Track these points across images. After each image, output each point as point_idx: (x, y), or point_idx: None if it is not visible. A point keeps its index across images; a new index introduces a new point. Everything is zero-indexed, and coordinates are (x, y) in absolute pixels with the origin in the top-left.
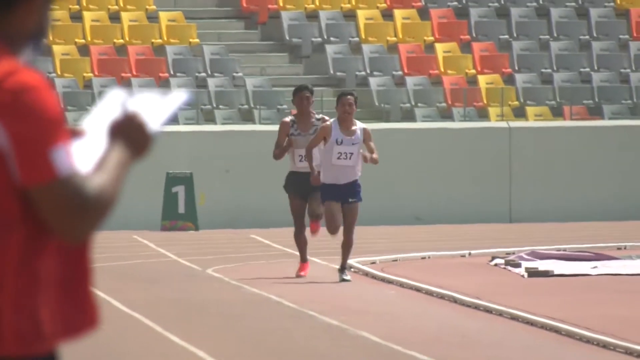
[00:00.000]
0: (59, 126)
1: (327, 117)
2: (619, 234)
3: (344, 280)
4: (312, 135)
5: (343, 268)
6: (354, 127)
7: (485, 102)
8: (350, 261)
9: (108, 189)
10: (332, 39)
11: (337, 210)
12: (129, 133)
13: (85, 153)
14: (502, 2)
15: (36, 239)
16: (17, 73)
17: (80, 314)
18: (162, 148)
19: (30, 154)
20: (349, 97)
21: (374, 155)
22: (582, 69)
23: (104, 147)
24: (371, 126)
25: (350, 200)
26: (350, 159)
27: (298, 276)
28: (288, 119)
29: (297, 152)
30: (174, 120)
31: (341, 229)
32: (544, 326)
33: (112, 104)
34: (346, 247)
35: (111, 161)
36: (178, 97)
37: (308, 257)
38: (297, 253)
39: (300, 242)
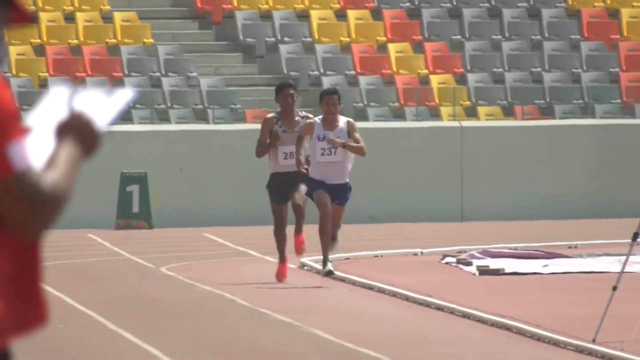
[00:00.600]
0: (14, 122)
1: (311, 115)
2: (570, 232)
3: (328, 271)
4: (297, 132)
5: (325, 260)
6: (336, 123)
7: (437, 101)
8: (304, 259)
9: (61, 185)
10: (285, 39)
11: (327, 198)
12: (77, 131)
13: (32, 150)
14: (454, 3)
15: None
16: None
17: (31, 310)
18: (117, 147)
19: None
20: (334, 96)
21: (357, 145)
22: (533, 69)
23: (51, 145)
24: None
25: (336, 201)
26: (335, 154)
27: (279, 281)
28: (270, 115)
29: (281, 149)
30: (128, 119)
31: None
32: (495, 324)
33: (55, 102)
34: (328, 241)
35: (62, 158)
36: (124, 95)
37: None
38: (251, 251)
39: (280, 239)
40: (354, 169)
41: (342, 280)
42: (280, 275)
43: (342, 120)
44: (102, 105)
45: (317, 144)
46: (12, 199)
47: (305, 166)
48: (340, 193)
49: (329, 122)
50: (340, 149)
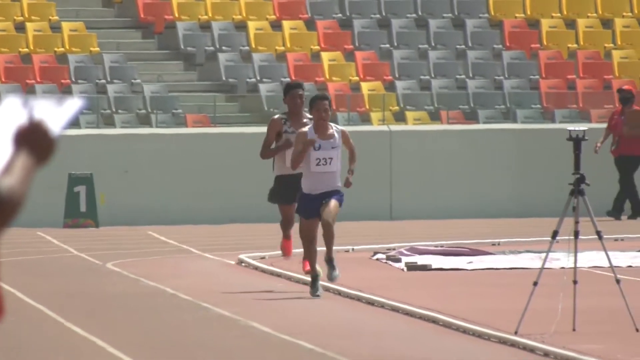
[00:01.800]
0: None
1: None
2: (493, 230)
3: (333, 272)
4: None
5: (330, 259)
6: (330, 131)
7: (367, 107)
8: (242, 256)
9: (17, 190)
10: (224, 47)
11: (312, 227)
12: (34, 139)
13: None
14: (384, 14)
15: None
16: None
17: None
18: (65, 150)
19: None
20: (324, 101)
21: (349, 176)
22: (458, 76)
23: (8, 151)
24: (260, 130)
25: (323, 201)
26: (330, 164)
27: (285, 257)
28: (277, 116)
29: (288, 152)
30: (75, 124)
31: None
32: (422, 317)
33: (8, 111)
34: (328, 238)
35: (18, 165)
36: (74, 103)
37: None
38: (191, 249)
39: (286, 227)
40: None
41: (279, 275)
42: (285, 251)
43: (335, 129)
44: (54, 114)
45: (312, 154)
46: None
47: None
48: (329, 195)
49: (322, 129)
50: (335, 158)
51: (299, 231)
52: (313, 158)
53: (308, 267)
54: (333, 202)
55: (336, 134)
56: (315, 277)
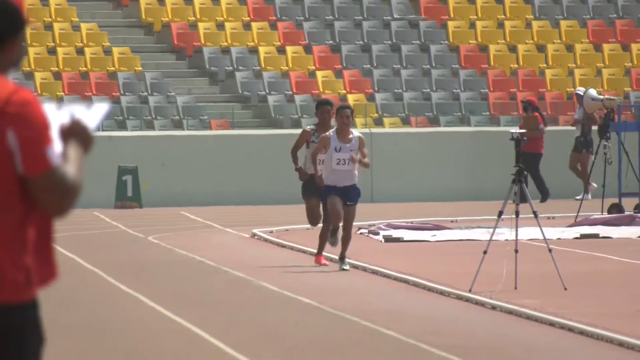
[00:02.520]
0: (49, 130)
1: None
2: (451, 211)
3: (342, 269)
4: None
5: (342, 258)
6: (350, 136)
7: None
8: (255, 230)
9: (78, 175)
10: (240, 67)
11: (339, 204)
12: (77, 134)
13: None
14: (366, 40)
15: (27, 214)
16: (18, 91)
17: (48, 268)
18: (115, 148)
19: (33, 152)
20: (346, 110)
21: (365, 160)
22: (424, 90)
23: (60, 145)
24: (269, 132)
25: (348, 203)
26: (347, 164)
27: (319, 264)
28: (309, 128)
29: (318, 157)
30: (123, 127)
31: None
32: (396, 278)
33: (52, 114)
34: (345, 241)
35: (72, 156)
36: (102, 107)
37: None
38: (215, 225)
39: (322, 238)
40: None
41: (283, 246)
42: (317, 260)
43: (355, 135)
44: (87, 114)
45: (334, 154)
46: (49, 187)
47: (319, 174)
48: (350, 193)
49: (343, 134)
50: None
51: (328, 207)
52: (334, 158)
53: (323, 261)
54: (353, 210)
55: (354, 140)
56: (335, 230)
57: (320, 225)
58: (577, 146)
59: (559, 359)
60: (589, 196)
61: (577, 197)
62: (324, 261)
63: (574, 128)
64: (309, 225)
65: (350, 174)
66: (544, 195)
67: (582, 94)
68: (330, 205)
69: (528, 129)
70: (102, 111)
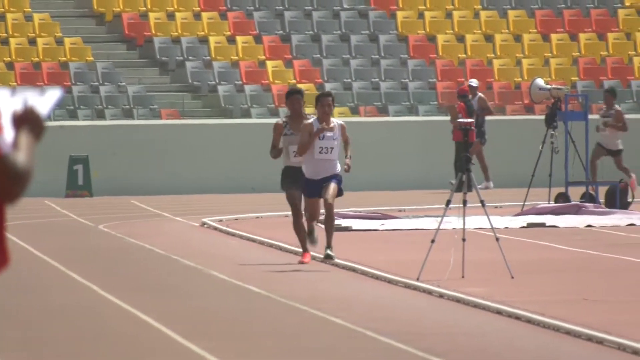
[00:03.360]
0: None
1: (310, 119)
2: (400, 200)
3: (328, 256)
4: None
5: (329, 245)
6: (332, 124)
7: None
8: (204, 219)
9: (28, 163)
10: (190, 57)
11: (318, 205)
12: (30, 122)
13: (7, 138)
14: (315, 30)
15: None
16: None
17: (1, 256)
18: (66, 137)
19: None
20: (328, 98)
21: (348, 161)
22: (373, 80)
23: (11, 133)
24: (219, 122)
25: (324, 184)
26: (331, 153)
27: (300, 263)
28: (280, 120)
29: (291, 148)
30: (74, 117)
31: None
32: (345, 267)
33: (3, 102)
34: (329, 224)
35: (23, 143)
36: (54, 94)
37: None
38: (165, 214)
39: (300, 233)
40: (241, 152)
41: (233, 235)
42: (303, 258)
43: (336, 123)
44: (40, 101)
45: (316, 142)
46: (1, 175)
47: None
48: (329, 179)
49: (325, 122)
50: (335, 148)
51: (303, 210)
52: (317, 147)
53: (307, 259)
54: (332, 185)
55: (337, 128)
56: (311, 230)
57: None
58: (476, 136)
59: (506, 347)
60: (491, 184)
61: (479, 186)
62: (306, 260)
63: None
64: (258, 214)
65: (332, 164)
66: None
67: (474, 85)
68: (310, 208)
69: (451, 117)
70: (54, 98)
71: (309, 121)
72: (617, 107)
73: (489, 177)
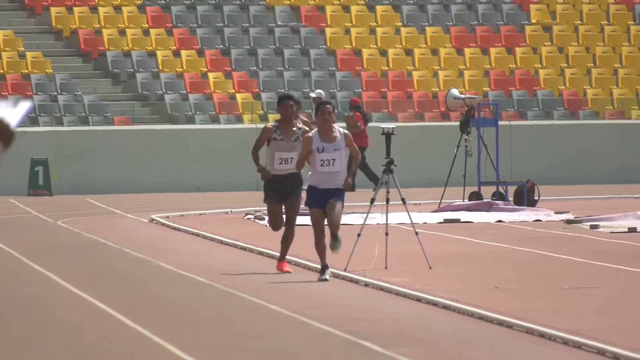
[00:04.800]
0: None
1: (305, 127)
2: None
3: (322, 280)
4: (294, 141)
5: (324, 267)
6: (334, 134)
7: (241, 111)
8: (153, 216)
9: None
10: (140, 69)
11: (320, 217)
12: (0, 131)
13: None
14: (252, 45)
15: None
16: None
17: None
18: (28, 141)
19: None
20: (327, 106)
21: (355, 159)
22: (304, 90)
23: None
24: (166, 127)
25: (330, 200)
26: (333, 164)
27: (281, 272)
28: (270, 125)
29: (277, 154)
30: (36, 123)
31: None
32: (297, 265)
33: None
34: (332, 247)
35: None
36: (25, 105)
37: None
38: (117, 211)
39: (285, 242)
40: (186, 154)
41: (179, 230)
42: (280, 268)
43: (339, 132)
44: (10, 112)
45: (317, 155)
46: None
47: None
48: (333, 194)
49: (326, 132)
50: (338, 159)
51: (310, 219)
52: (318, 160)
53: (285, 268)
54: (338, 209)
55: (339, 137)
56: (324, 267)
57: (282, 229)
58: None
59: (425, 331)
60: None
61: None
62: (286, 268)
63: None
64: (202, 211)
65: (336, 176)
66: (375, 181)
67: (315, 95)
68: (313, 219)
69: (348, 126)
70: (24, 109)
71: (309, 135)
72: (304, 118)
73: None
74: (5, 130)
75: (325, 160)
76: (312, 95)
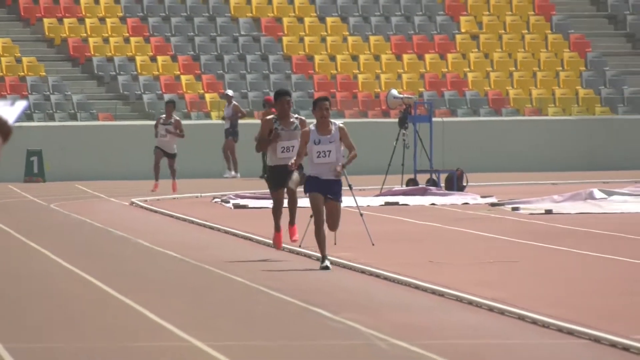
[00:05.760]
0: None
1: (302, 117)
2: None
3: (323, 268)
4: (293, 130)
5: (323, 257)
6: (329, 127)
7: (209, 109)
8: (133, 199)
9: None
10: (121, 72)
11: (320, 201)
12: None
13: None
14: (219, 52)
15: None
16: None
17: None
18: (25, 135)
19: None
20: (325, 102)
21: (351, 154)
22: (264, 90)
23: None
24: (144, 123)
25: (329, 196)
26: (329, 156)
27: (277, 249)
28: (270, 117)
29: (280, 144)
30: (31, 119)
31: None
32: (243, 237)
33: None
34: (323, 239)
35: None
36: (21, 104)
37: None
38: (102, 195)
39: (277, 215)
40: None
41: (155, 211)
42: (276, 243)
43: (334, 126)
44: (8, 110)
45: (314, 147)
46: None
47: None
48: (332, 187)
49: (323, 127)
50: (334, 151)
51: (310, 204)
52: (314, 152)
53: (280, 245)
54: (336, 207)
55: (334, 130)
56: (324, 257)
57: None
58: (227, 135)
59: (368, 299)
60: (237, 175)
61: (225, 175)
62: (296, 235)
63: (223, 122)
64: (174, 196)
65: (333, 167)
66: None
67: (231, 94)
68: (312, 203)
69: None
70: (21, 107)
71: (307, 129)
72: (175, 117)
73: (237, 169)
74: (4, 126)
75: (322, 152)
76: (229, 93)
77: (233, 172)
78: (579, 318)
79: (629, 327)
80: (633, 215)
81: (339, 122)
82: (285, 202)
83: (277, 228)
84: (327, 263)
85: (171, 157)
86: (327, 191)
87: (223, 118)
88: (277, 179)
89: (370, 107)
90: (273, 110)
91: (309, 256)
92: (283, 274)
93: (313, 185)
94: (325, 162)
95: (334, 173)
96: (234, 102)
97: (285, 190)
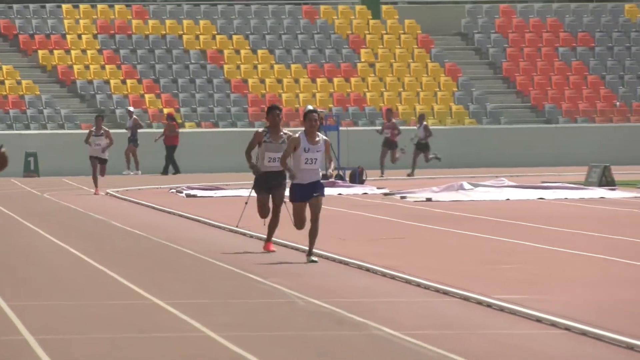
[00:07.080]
0: None
1: (290, 133)
2: (226, 179)
3: (312, 261)
4: (281, 143)
5: (310, 252)
6: (317, 138)
7: (182, 120)
8: (109, 190)
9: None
10: (99, 92)
11: (303, 209)
12: None
13: None
14: (174, 76)
15: None
16: None
17: None
18: (24, 141)
19: None
20: (314, 114)
21: (330, 170)
22: (209, 106)
23: None
24: (116, 132)
25: (314, 194)
26: (315, 163)
27: (268, 251)
28: (261, 130)
29: (267, 155)
30: (28, 128)
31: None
32: (194, 219)
33: None
34: (313, 235)
35: None
36: None
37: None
38: (84, 187)
39: (262, 216)
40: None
41: (131, 201)
42: (266, 248)
43: (321, 138)
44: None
45: (303, 154)
46: None
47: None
48: (316, 187)
49: (311, 136)
50: (319, 159)
51: (293, 214)
52: (302, 159)
53: (271, 248)
54: (320, 201)
55: (321, 141)
56: (310, 251)
57: (269, 217)
58: (129, 141)
59: (291, 266)
60: (139, 172)
61: (124, 173)
62: (272, 248)
63: (127, 131)
64: (147, 187)
65: (316, 172)
66: (176, 171)
67: (132, 110)
68: (296, 212)
69: (169, 131)
70: None
71: (297, 136)
72: (104, 128)
73: (138, 167)
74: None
75: (310, 159)
76: (130, 109)
77: (133, 171)
78: (451, 281)
79: (490, 288)
80: (495, 202)
81: (322, 135)
82: (269, 219)
83: (267, 239)
84: (313, 257)
85: (103, 162)
86: (312, 192)
87: (126, 128)
88: (263, 184)
89: (291, 119)
90: (174, 123)
91: (243, 234)
92: (226, 249)
93: (297, 194)
94: (311, 168)
95: (327, 171)
96: (135, 116)
97: (272, 210)
